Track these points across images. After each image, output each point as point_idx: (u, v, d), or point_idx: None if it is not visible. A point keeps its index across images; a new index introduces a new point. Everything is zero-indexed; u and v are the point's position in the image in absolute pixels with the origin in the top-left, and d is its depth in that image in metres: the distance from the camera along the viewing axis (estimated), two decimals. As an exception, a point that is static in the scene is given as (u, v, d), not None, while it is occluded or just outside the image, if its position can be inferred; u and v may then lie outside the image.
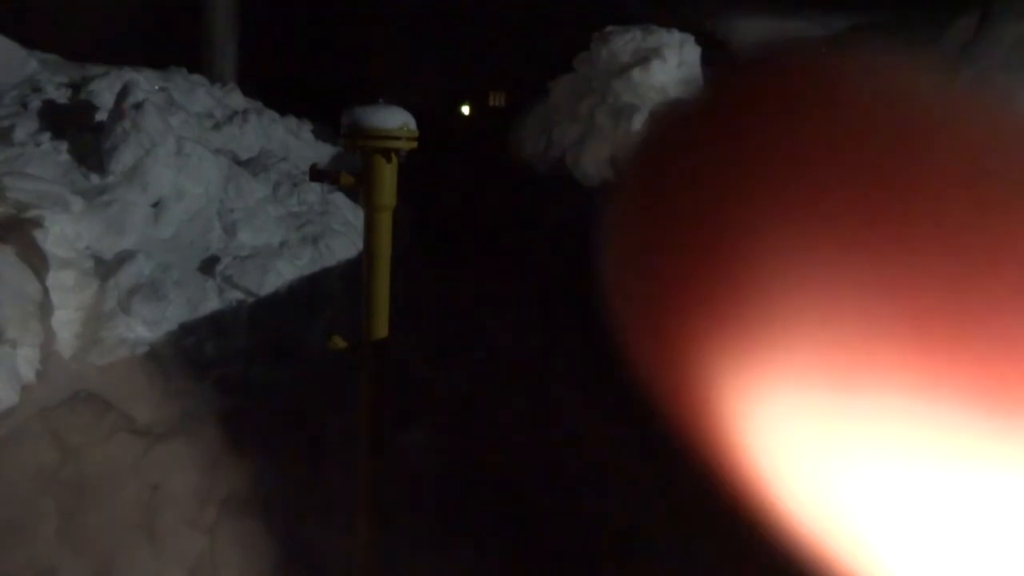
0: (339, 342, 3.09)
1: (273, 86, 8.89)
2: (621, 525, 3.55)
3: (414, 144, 2.88)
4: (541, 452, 4.00)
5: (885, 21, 8.61)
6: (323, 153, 7.29)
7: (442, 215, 10.57)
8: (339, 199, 5.97)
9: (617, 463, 4.17)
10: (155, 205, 4.80)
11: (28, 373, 3.69)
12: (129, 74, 5.54)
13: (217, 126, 6.62)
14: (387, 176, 2.89)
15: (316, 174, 3.04)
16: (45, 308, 3.89)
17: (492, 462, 3.85)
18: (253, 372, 4.13)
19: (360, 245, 5.76)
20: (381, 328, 3.03)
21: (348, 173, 2.94)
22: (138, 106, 4.79)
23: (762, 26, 9.77)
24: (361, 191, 2.93)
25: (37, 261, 3.92)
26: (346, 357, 3.20)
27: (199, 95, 6.96)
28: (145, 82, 5.93)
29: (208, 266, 4.73)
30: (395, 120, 2.82)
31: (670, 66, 5.93)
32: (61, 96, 5.38)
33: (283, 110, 7.83)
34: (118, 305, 4.10)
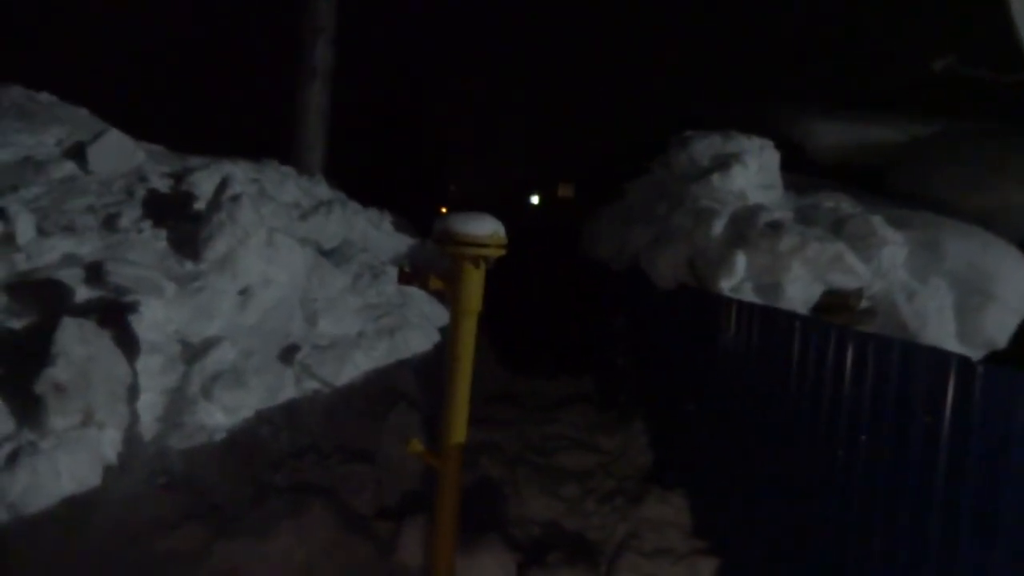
0: (417, 446, 3.07)
1: (357, 179, 9.27)
2: None
3: (503, 251, 2.92)
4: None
5: (980, 130, 8.48)
6: (401, 245, 7.48)
7: (515, 313, 10.65)
8: (416, 292, 6.07)
9: None
10: (242, 292, 4.96)
11: (111, 455, 3.78)
12: (227, 167, 5.85)
13: (304, 216, 6.88)
14: (475, 282, 2.92)
15: (405, 276, 3.10)
16: (133, 391, 4.01)
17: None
18: (326, 468, 4.13)
19: (435, 338, 5.84)
20: (460, 434, 3.00)
21: (437, 277, 2.98)
22: (235, 198, 5.02)
23: (841, 130, 9.74)
24: (449, 295, 2.97)
25: (129, 345, 4.07)
26: (422, 462, 3.16)
27: (288, 186, 7.27)
28: (241, 173, 6.24)
29: (288, 354, 4.83)
30: (486, 228, 2.86)
31: (750, 171, 5.93)
32: (164, 186, 5.69)
33: (365, 202, 8.12)
34: (200, 390, 4.19)
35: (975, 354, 5.70)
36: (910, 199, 7.36)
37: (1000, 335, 5.54)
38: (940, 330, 5.49)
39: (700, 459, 5.00)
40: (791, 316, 3.78)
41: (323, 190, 7.85)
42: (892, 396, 2.78)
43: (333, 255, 6.09)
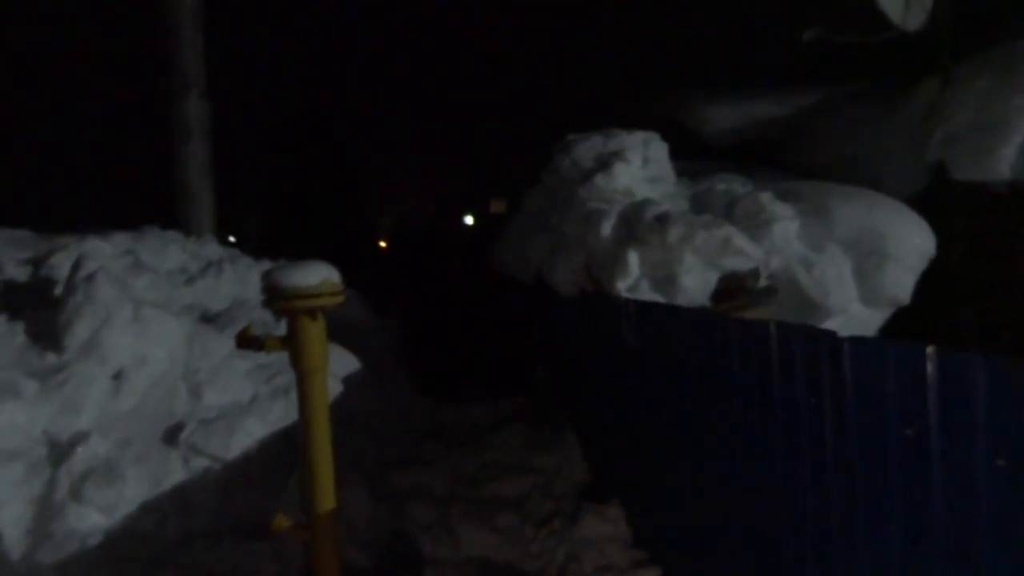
0: (282, 521, 2.81)
1: (253, 230, 8.94)
2: None
3: (340, 298, 2.69)
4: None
5: (858, 91, 8.62)
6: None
7: (439, 338, 10.42)
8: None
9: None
10: (115, 376, 4.61)
11: (-30, 584, 3.41)
12: (90, 243, 5.49)
13: (191, 280, 6.53)
14: (315, 336, 2.68)
15: (243, 341, 2.85)
16: (-10, 508, 3.64)
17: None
18: (219, 552, 3.82)
19: (338, 388, 5.55)
20: (327, 502, 2.75)
21: (274, 337, 2.74)
22: (89, 277, 4.69)
23: (732, 112, 9.81)
24: (289, 355, 2.73)
25: (-20, 458, 3.70)
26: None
27: (171, 251, 6.92)
28: (111, 248, 5.88)
29: (172, 435, 4.50)
30: (315, 276, 2.64)
31: (634, 167, 5.84)
32: (21, 274, 5.31)
33: (269, 253, 7.80)
34: (69, 493, 3.84)
35: (882, 314, 5.70)
36: (801, 170, 7.41)
37: (902, 292, 5.54)
38: (843, 296, 5.47)
39: (628, 467, 4.85)
40: (675, 311, 3.65)
41: (212, 250, 7.51)
42: (777, 380, 2.64)
43: (219, 318, 5.77)
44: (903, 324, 5.63)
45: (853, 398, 2.23)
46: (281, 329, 2.79)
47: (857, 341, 2.22)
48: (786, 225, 5.31)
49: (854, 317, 5.43)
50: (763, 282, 5.18)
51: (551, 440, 6.58)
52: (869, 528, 2.16)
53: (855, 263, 5.53)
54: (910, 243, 5.40)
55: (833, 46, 7.58)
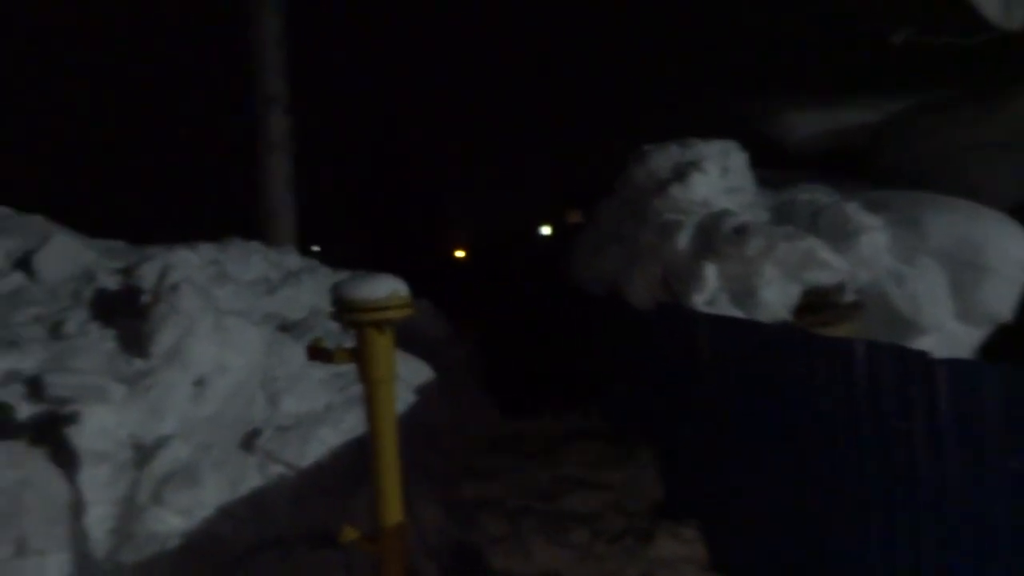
0: (350, 533, 2.80)
1: (333, 242, 9.14)
2: None
3: (408, 311, 2.68)
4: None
5: (953, 96, 8.19)
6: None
7: (504, 339, 10.39)
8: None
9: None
10: (197, 383, 4.75)
11: (57, 581, 3.54)
12: (177, 253, 5.69)
13: (271, 290, 6.70)
14: (382, 348, 2.67)
15: (314, 353, 2.87)
16: (78, 507, 3.78)
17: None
18: (291, 560, 3.86)
19: (410, 399, 5.57)
20: (394, 513, 2.74)
21: (343, 349, 2.75)
22: (174, 287, 4.85)
23: (817, 119, 9.47)
24: (357, 366, 2.73)
25: (69, 459, 3.86)
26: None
27: (254, 261, 7.12)
28: (197, 258, 6.08)
29: (249, 441, 4.60)
30: (383, 289, 2.63)
31: (711, 177, 5.68)
32: (113, 283, 5.54)
33: (348, 264, 7.93)
34: (150, 496, 3.96)
35: (981, 332, 5.36)
36: (892, 180, 7.07)
37: (1003, 308, 5.20)
38: (937, 312, 5.17)
39: (705, 487, 4.69)
40: (753, 326, 3.50)
41: (293, 260, 7.70)
42: (865, 402, 2.49)
43: (297, 327, 5.88)
44: (1004, 342, 5.27)
45: (948, 423, 2.07)
46: (352, 340, 2.80)
47: (953, 363, 2.07)
48: (875, 236, 5.05)
49: (949, 335, 5.12)
50: (850, 297, 4.93)
51: (625, 456, 6.45)
52: (965, 560, 1.99)
53: (950, 277, 5.21)
54: (1012, 255, 5.06)
55: (926, 49, 7.22)
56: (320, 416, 4.89)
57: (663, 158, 5.97)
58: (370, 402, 2.73)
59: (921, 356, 2.19)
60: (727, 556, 4.30)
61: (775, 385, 3.31)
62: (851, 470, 2.62)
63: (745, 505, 3.87)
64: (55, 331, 5.02)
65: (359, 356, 2.70)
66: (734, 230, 4.88)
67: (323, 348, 2.82)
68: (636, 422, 6.75)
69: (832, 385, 2.75)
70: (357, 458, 4.75)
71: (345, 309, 2.63)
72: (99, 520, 3.87)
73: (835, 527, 2.77)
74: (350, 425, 4.91)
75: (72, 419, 4.04)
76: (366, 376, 2.71)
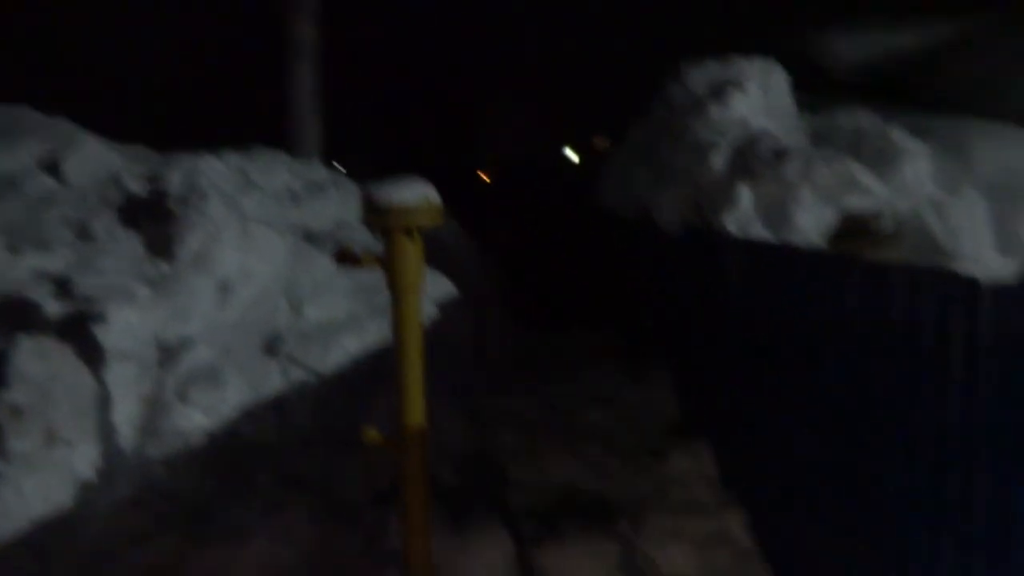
0: (373, 435, 2.82)
1: (359, 154, 9.03)
2: None
3: (438, 219, 2.62)
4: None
5: (1005, 18, 7.77)
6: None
7: (529, 261, 10.35)
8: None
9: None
10: (221, 288, 4.77)
11: (87, 472, 3.64)
12: (204, 160, 5.63)
13: (296, 200, 6.66)
14: (411, 254, 2.63)
15: (342, 256, 2.83)
16: (105, 402, 3.86)
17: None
18: (312, 459, 3.94)
19: (432, 312, 5.58)
20: (418, 416, 2.75)
21: (371, 253, 2.70)
22: (202, 193, 4.82)
23: (862, 41, 9.08)
24: (385, 272, 2.70)
25: (96, 356, 3.91)
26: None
27: (278, 171, 7.04)
28: (223, 166, 6.03)
29: (272, 346, 4.64)
30: (414, 194, 2.57)
31: (751, 97, 5.46)
32: (139, 188, 5.51)
33: (372, 177, 7.85)
34: (176, 394, 4.02)
35: (1017, 263, 5.21)
36: (938, 105, 6.79)
37: (1044, 241, 5.04)
38: (976, 244, 5.01)
39: (720, 408, 4.69)
40: (787, 248, 3.41)
41: (318, 172, 7.61)
42: (901, 327, 2.41)
43: (321, 238, 5.86)
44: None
45: (988, 350, 1.99)
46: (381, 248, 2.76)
47: (999, 287, 1.97)
48: (918, 163, 4.87)
49: (985, 266, 4.98)
50: (887, 225, 4.79)
51: (642, 375, 6.48)
52: (990, 491, 1.95)
53: (993, 206, 5.04)
54: (1060, 187, 4.87)
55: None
56: (343, 324, 4.91)
57: (701, 75, 5.75)
58: (397, 309, 2.70)
59: (967, 280, 2.10)
60: (737, 475, 4.33)
61: (801, 310, 3.24)
62: (876, 396, 2.56)
63: (757, 428, 3.86)
64: (82, 233, 5.03)
65: (387, 262, 2.65)
66: (773, 152, 4.73)
67: (351, 253, 2.78)
68: (658, 343, 6.74)
69: (867, 311, 2.67)
70: (379, 366, 4.79)
71: (374, 212, 2.58)
72: (126, 415, 3.95)
73: (850, 456, 2.74)
74: (373, 335, 4.93)
75: (99, 318, 4.07)
76: (393, 283, 2.68)
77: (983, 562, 1.96)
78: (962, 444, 2.06)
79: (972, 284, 2.04)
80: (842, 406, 2.84)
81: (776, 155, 4.70)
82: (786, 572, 3.46)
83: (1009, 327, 1.87)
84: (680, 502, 4.44)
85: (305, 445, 4.08)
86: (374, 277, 5.60)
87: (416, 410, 2.77)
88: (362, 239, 6.18)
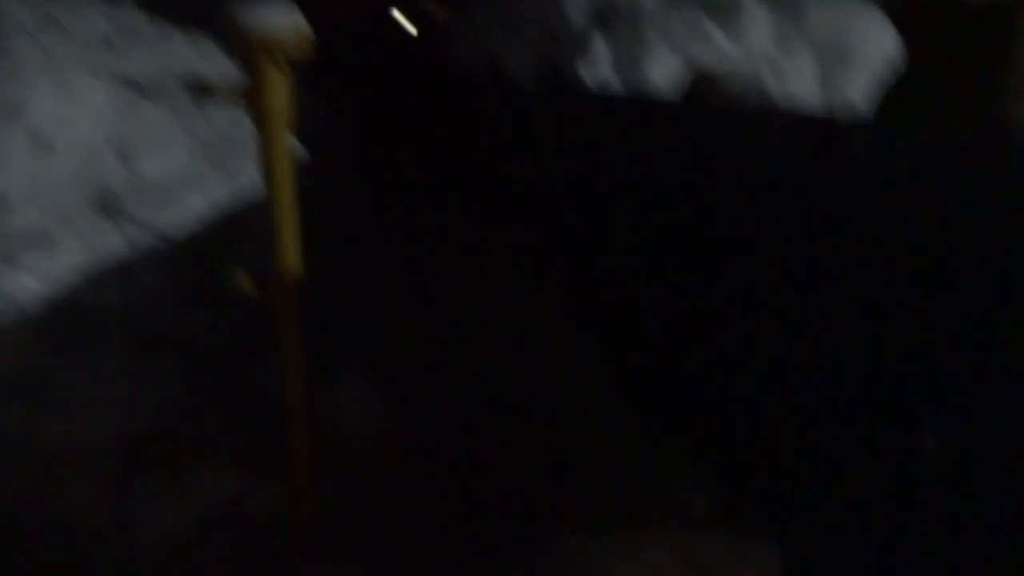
0: (246, 283, 2.71)
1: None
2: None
3: (308, 52, 2.44)
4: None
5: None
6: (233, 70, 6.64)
7: (372, 128, 9.91)
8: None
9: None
10: (41, 144, 4.24)
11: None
12: (-1, -5, 4.84)
13: (109, 45, 5.92)
14: (276, 85, 2.45)
15: (197, 91, 2.59)
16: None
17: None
18: (163, 317, 3.74)
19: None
20: (292, 263, 2.66)
21: (232, 86, 2.49)
22: (5, 33, 4.17)
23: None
24: (249, 107, 2.51)
25: None
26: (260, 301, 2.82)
27: (87, 13, 6.21)
28: (23, 6, 5.23)
29: (106, 205, 4.24)
30: (284, 20, 2.36)
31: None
32: (-83, 23, 4.67)
33: (189, 23, 7.08)
34: (2, 259, 3.62)
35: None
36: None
37: (861, 100, 5.49)
38: (805, 104, 5.38)
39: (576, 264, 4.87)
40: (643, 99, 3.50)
41: (131, 14, 6.77)
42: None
43: (148, 89, 5.29)
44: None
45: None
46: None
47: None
48: (758, 20, 5.07)
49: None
50: (736, 85, 5.01)
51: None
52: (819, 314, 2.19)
53: (820, 68, 5.40)
54: (878, 49, 5.28)
55: None
56: (184, 181, 4.55)
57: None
58: (264, 143, 2.53)
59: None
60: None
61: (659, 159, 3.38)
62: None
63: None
64: None
65: (255, 95, 2.45)
66: (630, 5, 4.74)
67: (208, 85, 2.54)
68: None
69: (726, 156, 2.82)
70: (225, 226, 4.55)
71: (238, 39, 2.35)
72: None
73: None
74: (218, 191, 4.62)
75: None
76: (259, 115, 2.49)
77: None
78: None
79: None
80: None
81: (632, 7, 4.72)
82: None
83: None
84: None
85: (155, 305, 3.84)
86: (214, 131, 5.21)
87: (292, 253, 2.67)
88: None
